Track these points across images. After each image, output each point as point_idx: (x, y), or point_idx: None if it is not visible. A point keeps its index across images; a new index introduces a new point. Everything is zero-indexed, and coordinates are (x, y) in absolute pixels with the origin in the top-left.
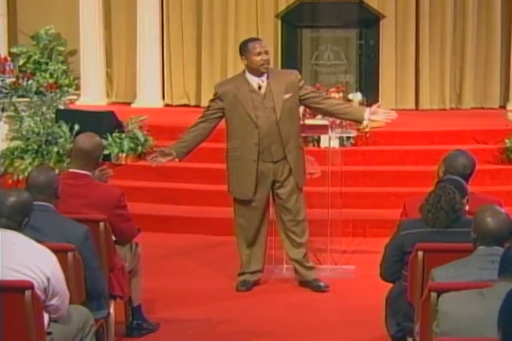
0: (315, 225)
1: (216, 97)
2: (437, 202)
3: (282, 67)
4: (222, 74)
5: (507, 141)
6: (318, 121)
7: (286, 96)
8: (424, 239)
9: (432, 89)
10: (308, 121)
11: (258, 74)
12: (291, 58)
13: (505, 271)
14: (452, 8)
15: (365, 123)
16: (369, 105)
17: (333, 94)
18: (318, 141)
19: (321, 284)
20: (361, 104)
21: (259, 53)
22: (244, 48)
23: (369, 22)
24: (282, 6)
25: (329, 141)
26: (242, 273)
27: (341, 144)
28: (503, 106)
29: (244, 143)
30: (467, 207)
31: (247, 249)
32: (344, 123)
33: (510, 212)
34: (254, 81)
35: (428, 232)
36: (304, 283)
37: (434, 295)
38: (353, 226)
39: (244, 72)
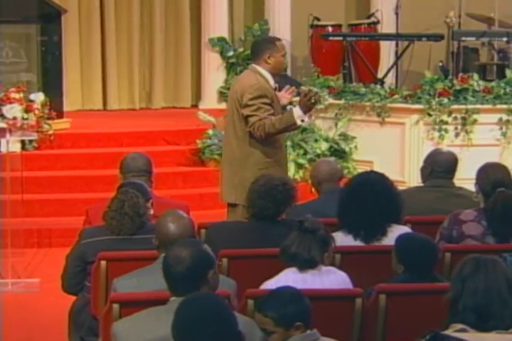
0: None
1: (263, 94)
2: (121, 207)
3: None
4: None
5: (198, 141)
6: None
7: None
8: (107, 248)
9: (121, 88)
10: None
11: (275, 74)
12: None
13: (175, 289)
14: (139, 5)
15: (300, 123)
16: (52, 105)
17: (13, 95)
18: None
19: None
20: (44, 104)
21: (285, 54)
22: (271, 46)
23: (50, 17)
24: None
25: (7, 144)
26: None
27: (24, 148)
28: (195, 106)
29: (281, 145)
30: (152, 212)
31: None
32: (26, 126)
33: (200, 216)
34: (270, 81)
35: (112, 240)
36: None
37: (116, 306)
38: (37, 236)
39: (256, 70)
